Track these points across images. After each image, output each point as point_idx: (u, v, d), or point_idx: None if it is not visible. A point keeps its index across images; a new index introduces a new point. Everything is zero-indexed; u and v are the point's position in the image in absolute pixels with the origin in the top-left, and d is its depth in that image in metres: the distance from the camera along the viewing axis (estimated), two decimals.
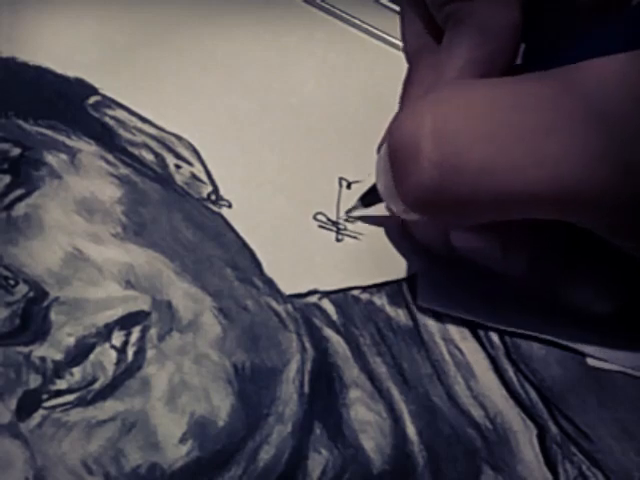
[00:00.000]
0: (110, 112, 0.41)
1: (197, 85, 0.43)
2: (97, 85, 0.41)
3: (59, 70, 0.42)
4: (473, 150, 0.29)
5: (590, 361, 0.35)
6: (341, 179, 0.40)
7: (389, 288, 0.36)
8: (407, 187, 0.30)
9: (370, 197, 0.38)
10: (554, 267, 0.34)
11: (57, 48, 0.43)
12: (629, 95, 0.28)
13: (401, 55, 0.42)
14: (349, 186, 0.40)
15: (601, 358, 0.35)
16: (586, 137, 0.28)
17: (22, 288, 0.34)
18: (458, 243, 0.34)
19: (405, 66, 0.38)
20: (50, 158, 0.38)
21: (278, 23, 0.46)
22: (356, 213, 0.38)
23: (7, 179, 0.37)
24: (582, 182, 0.28)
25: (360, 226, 0.38)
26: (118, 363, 0.32)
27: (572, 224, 0.31)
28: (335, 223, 0.38)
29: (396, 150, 0.30)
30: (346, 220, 0.38)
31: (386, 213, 0.37)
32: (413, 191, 0.30)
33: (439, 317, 0.35)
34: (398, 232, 0.38)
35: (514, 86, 0.30)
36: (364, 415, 0.32)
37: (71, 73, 0.42)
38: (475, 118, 0.29)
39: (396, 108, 0.37)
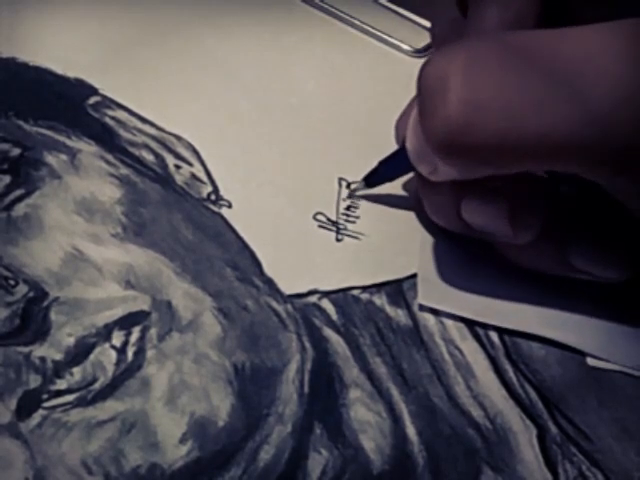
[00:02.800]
0: (110, 112, 0.41)
1: (197, 85, 0.43)
2: (97, 85, 0.42)
3: (59, 71, 0.42)
4: (502, 90, 0.29)
5: (590, 361, 0.35)
6: (341, 179, 0.40)
7: (389, 288, 0.36)
8: (434, 122, 0.30)
9: (374, 177, 0.38)
10: (563, 234, 0.34)
11: (57, 48, 0.43)
12: None
13: (401, 55, 0.42)
14: (349, 186, 0.40)
15: (601, 358, 0.35)
16: (627, 82, 0.28)
17: (22, 288, 0.34)
18: (468, 214, 0.34)
19: (404, 67, 0.38)
20: (50, 158, 0.38)
21: (278, 23, 0.46)
22: (359, 193, 0.39)
23: (7, 179, 0.37)
24: (619, 133, 0.28)
25: (360, 226, 0.38)
26: (118, 363, 0.32)
27: (586, 189, 0.31)
28: (335, 223, 0.38)
29: (425, 86, 0.30)
30: (346, 223, 0.38)
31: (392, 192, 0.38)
32: (440, 127, 0.30)
33: (439, 317, 0.35)
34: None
35: (550, 36, 0.29)
36: (364, 415, 0.32)
37: (71, 73, 0.42)
38: (507, 60, 0.29)
39: (395, 108, 0.37)
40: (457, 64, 0.30)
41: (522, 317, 0.35)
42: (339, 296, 0.36)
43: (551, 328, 0.35)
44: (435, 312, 0.35)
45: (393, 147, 0.41)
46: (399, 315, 0.35)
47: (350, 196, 0.39)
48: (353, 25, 0.47)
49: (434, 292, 0.36)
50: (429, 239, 0.38)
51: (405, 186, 0.40)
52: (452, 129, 0.30)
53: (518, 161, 0.30)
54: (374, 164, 0.38)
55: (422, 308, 0.36)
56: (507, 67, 0.29)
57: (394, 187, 0.39)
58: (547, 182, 0.35)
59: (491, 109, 0.29)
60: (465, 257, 0.37)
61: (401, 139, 0.37)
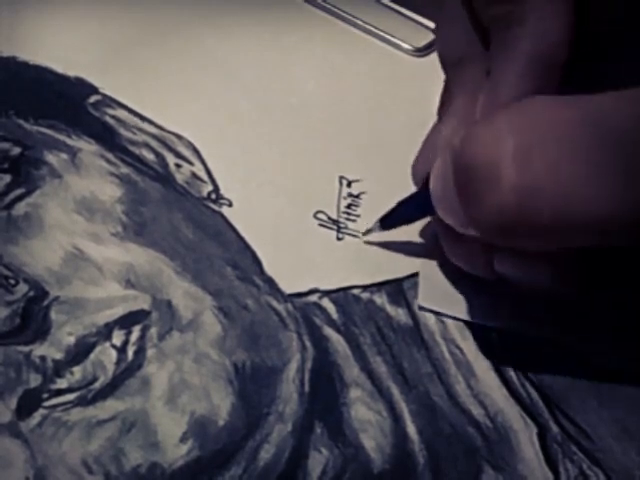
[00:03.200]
0: (110, 111, 0.41)
1: (197, 85, 0.43)
2: (97, 84, 0.42)
3: (59, 69, 0.42)
4: (556, 175, 0.28)
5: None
6: (341, 178, 0.40)
7: (389, 287, 0.36)
8: (482, 210, 0.29)
9: (390, 220, 0.37)
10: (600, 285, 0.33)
11: (57, 48, 0.43)
12: None
13: (401, 55, 0.42)
14: (349, 184, 0.40)
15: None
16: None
17: (22, 287, 0.34)
18: (503, 267, 0.32)
19: (405, 66, 0.38)
20: (50, 157, 0.38)
21: (278, 23, 0.46)
22: (373, 235, 0.38)
23: (7, 178, 0.37)
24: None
25: (361, 224, 0.38)
26: (118, 362, 0.32)
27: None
28: (335, 222, 0.38)
29: (470, 170, 0.29)
30: (346, 221, 0.38)
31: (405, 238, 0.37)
32: (489, 214, 0.29)
33: (439, 316, 0.35)
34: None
35: (593, 108, 0.28)
36: (364, 414, 0.32)
37: (71, 72, 0.42)
38: (560, 141, 0.28)
39: (395, 108, 0.37)
40: (508, 148, 0.28)
41: (521, 319, 0.35)
42: (339, 295, 0.36)
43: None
44: (435, 313, 0.35)
45: (393, 147, 0.41)
46: (399, 314, 0.35)
47: (365, 234, 0.38)
48: (354, 24, 0.47)
49: (435, 294, 0.36)
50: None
51: (421, 232, 0.38)
52: (505, 217, 0.28)
53: (570, 241, 0.29)
54: (373, 164, 0.38)
55: (422, 309, 0.36)
56: (562, 150, 0.28)
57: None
58: None
59: (546, 196, 0.28)
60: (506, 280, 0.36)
61: (420, 181, 0.35)
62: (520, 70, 0.32)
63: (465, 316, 0.35)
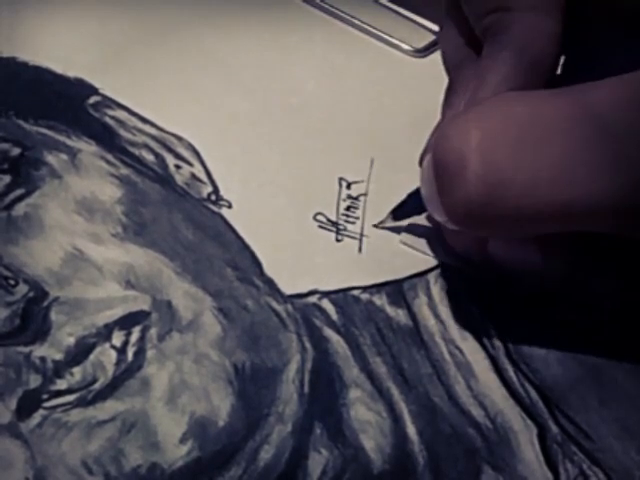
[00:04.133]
0: (110, 112, 0.41)
1: (197, 85, 0.43)
2: (97, 85, 0.42)
3: (59, 70, 0.42)
4: (519, 165, 0.29)
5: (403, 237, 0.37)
6: (341, 179, 0.40)
7: (389, 288, 0.36)
8: (453, 201, 0.30)
9: (401, 211, 0.38)
10: (587, 266, 0.34)
11: (57, 48, 0.43)
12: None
13: (401, 56, 0.42)
14: (349, 186, 0.40)
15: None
16: (602, 157, 0.28)
17: (22, 288, 0.34)
18: (496, 252, 0.34)
19: (405, 67, 0.38)
20: (50, 158, 0.38)
21: (278, 23, 0.46)
22: (387, 225, 0.38)
23: (7, 179, 0.37)
24: (606, 197, 0.28)
25: (360, 226, 0.38)
26: (118, 363, 0.32)
27: None
28: (335, 223, 0.38)
29: (441, 164, 0.30)
30: (345, 223, 0.38)
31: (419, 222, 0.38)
32: (459, 205, 0.30)
33: (439, 317, 0.35)
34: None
35: (554, 101, 0.30)
36: (364, 415, 0.32)
37: (71, 73, 0.42)
38: (520, 133, 0.29)
39: (395, 108, 0.37)
40: (473, 142, 0.30)
41: None
42: (339, 296, 0.36)
43: None
44: (435, 313, 0.36)
45: (392, 148, 0.41)
46: (399, 315, 0.35)
47: (377, 226, 0.38)
48: (353, 25, 0.47)
49: (418, 235, 0.38)
50: None
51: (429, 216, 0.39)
52: (472, 207, 0.30)
53: (538, 229, 0.31)
54: (373, 163, 0.38)
55: (404, 244, 0.38)
56: (523, 142, 0.29)
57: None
58: None
59: (510, 186, 0.29)
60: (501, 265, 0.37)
61: None
62: (502, 73, 0.33)
63: (443, 258, 0.37)
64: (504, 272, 0.35)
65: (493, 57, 0.33)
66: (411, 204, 0.37)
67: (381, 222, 0.38)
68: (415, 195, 0.36)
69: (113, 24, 0.45)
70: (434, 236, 0.37)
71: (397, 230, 0.38)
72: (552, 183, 0.29)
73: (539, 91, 0.31)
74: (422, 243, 0.38)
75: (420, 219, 0.38)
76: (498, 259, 0.34)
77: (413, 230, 0.38)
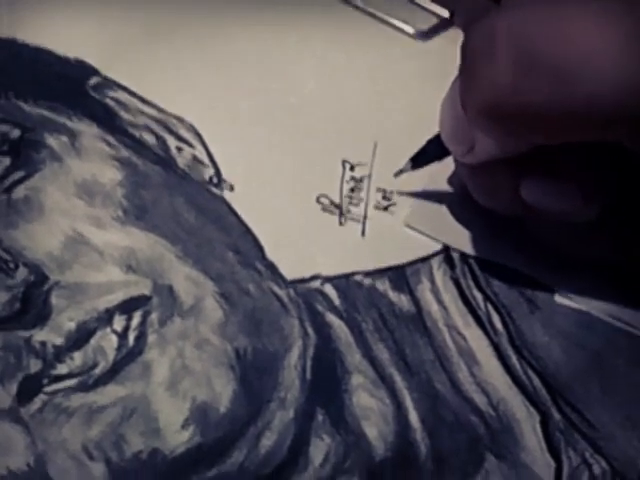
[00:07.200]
0: (111, 94, 0.40)
1: (202, 68, 0.43)
2: (98, 66, 0.41)
3: (60, 51, 0.41)
4: (552, 48, 0.27)
5: (558, 298, 0.35)
6: (344, 162, 0.40)
7: (392, 273, 0.36)
8: (480, 86, 0.29)
9: (421, 158, 0.37)
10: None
11: (58, 29, 0.42)
12: None
13: (408, 39, 0.42)
14: (352, 168, 0.39)
15: (569, 296, 0.35)
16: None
17: (22, 272, 0.33)
18: (531, 195, 0.32)
19: (408, 49, 0.38)
20: (51, 140, 0.38)
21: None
22: (404, 175, 0.38)
23: (7, 161, 0.36)
24: None
25: (363, 209, 0.38)
26: (119, 348, 0.32)
27: None
28: (338, 206, 0.38)
29: (471, 47, 0.29)
30: (349, 205, 0.38)
31: (434, 186, 0.38)
32: (486, 90, 0.29)
33: (442, 303, 0.35)
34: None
35: None
36: (366, 401, 0.32)
37: (72, 54, 0.41)
38: (555, 20, 0.28)
39: (398, 91, 0.37)
40: (504, 23, 0.28)
41: (499, 249, 0.36)
42: (342, 281, 0.36)
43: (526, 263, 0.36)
44: (438, 299, 0.35)
45: (395, 130, 0.41)
46: (402, 301, 0.35)
47: (397, 175, 0.38)
48: (357, 8, 0.47)
49: (423, 217, 0.37)
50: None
51: (450, 179, 0.39)
52: (501, 90, 0.28)
53: (566, 128, 0.29)
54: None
55: (408, 227, 0.37)
56: (554, 27, 0.28)
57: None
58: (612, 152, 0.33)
59: (541, 69, 0.27)
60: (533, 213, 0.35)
61: None
62: None
63: (447, 241, 0.37)
64: (533, 224, 0.35)
65: None
66: (431, 150, 0.37)
67: (400, 170, 0.38)
68: (435, 141, 0.36)
69: (116, 6, 0.45)
70: (441, 215, 0.37)
71: (415, 195, 0.38)
72: (582, 73, 0.27)
73: None
74: (428, 224, 0.37)
75: (438, 175, 0.38)
76: (534, 204, 0.32)
77: (419, 211, 0.38)
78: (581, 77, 0.27)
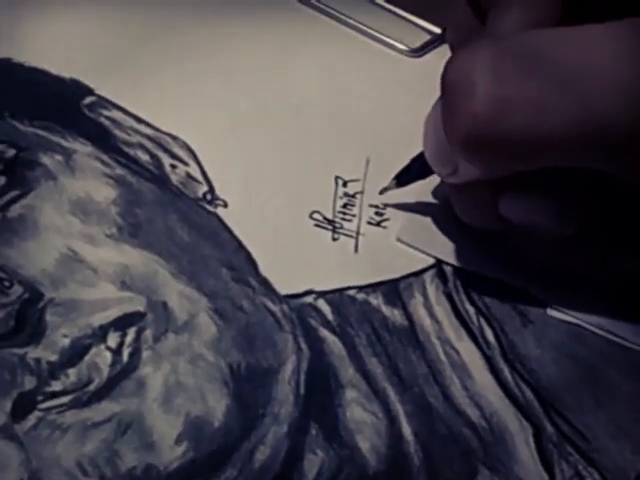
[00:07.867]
0: (106, 112, 0.41)
1: (194, 85, 0.43)
2: (92, 86, 0.41)
3: (54, 71, 0.42)
4: (526, 85, 0.29)
5: (550, 311, 0.36)
6: (337, 178, 0.40)
7: (385, 288, 0.36)
8: (460, 117, 0.30)
9: (406, 176, 0.38)
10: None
11: (53, 49, 0.43)
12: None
13: (400, 55, 0.42)
14: (345, 184, 0.40)
15: (562, 310, 0.35)
16: (621, 79, 0.28)
17: (17, 289, 0.34)
18: (508, 210, 0.33)
19: (400, 66, 0.38)
20: (45, 159, 0.38)
21: (278, 23, 0.46)
22: (389, 193, 0.38)
23: (2, 180, 0.37)
24: (618, 123, 0.28)
25: (356, 225, 0.38)
26: (113, 364, 0.32)
27: None
28: (331, 221, 0.38)
29: (451, 80, 0.30)
30: (342, 221, 0.38)
31: (420, 198, 0.38)
32: (466, 123, 0.30)
33: (435, 317, 0.35)
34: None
35: (554, 37, 0.30)
36: (360, 415, 0.32)
37: (66, 74, 0.42)
38: (525, 59, 0.29)
39: (391, 108, 0.37)
40: (484, 59, 0.29)
41: (492, 263, 0.37)
42: (335, 296, 0.36)
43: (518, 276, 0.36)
44: (431, 313, 0.36)
45: (387, 146, 0.41)
46: (395, 315, 0.35)
47: (382, 193, 0.38)
48: (349, 25, 0.47)
49: (414, 231, 0.38)
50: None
51: (435, 192, 0.39)
52: (479, 124, 0.29)
53: (542, 155, 0.30)
54: (373, 163, 0.38)
55: (399, 241, 0.38)
56: (526, 67, 0.29)
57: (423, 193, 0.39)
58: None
59: (517, 104, 0.29)
60: (512, 228, 0.36)
61: None
62: (513, 19, 0.33)
63: (439, 255, 0.37)
64: (514, 238, 0.35)
65: (498, 19, 0.34)
66: (415, 169, 0.37)
67: (385, 188, 0.38)
68: (419, 159, 0.36)
69: (110, 26, 0.45)
70: (431, 229, 0.38)
71: (401, 207, 0.39)
72: (558, 106, 0.28)
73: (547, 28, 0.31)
74: (419, 238, 0.38)
75: (422, 191, 0.38)
76: (512, 220, 0.33)
77: (411, 225, 0.38)
78: (559, 107, 0.28)
